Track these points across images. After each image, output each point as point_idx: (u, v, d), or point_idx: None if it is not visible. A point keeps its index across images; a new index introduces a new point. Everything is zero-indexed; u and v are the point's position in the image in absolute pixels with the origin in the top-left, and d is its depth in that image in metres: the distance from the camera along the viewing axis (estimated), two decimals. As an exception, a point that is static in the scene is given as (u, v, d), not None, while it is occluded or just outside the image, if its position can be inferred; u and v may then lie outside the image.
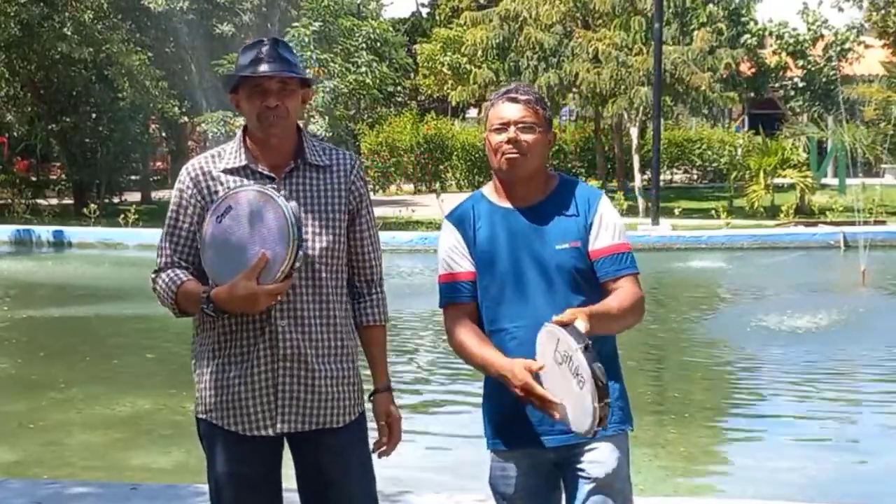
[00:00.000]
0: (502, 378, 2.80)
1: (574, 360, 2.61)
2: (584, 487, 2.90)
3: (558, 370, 2.68)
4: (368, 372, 3.15)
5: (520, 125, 2.94)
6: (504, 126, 2.94)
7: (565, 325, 2.66)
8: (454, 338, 2.98)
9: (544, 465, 2.97)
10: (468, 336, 2.95)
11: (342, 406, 3.00)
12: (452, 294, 3.01)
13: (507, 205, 3.00)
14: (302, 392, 2.94)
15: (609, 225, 2.97)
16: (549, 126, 3.03)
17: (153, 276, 2.99)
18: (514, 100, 2.97)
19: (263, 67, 2.90)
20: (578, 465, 2.91)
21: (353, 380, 3.05)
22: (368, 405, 3.13)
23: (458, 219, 3.04)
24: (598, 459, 2.90)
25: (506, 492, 2.99)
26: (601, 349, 2.88)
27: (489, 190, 3.07)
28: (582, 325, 2.66)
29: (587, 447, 2.90)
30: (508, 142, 2.93)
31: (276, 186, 2.94)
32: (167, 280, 2.94)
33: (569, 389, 2.66)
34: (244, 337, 2.93)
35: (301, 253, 2.80)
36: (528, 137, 2.93)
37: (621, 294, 2.91)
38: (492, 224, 2.99)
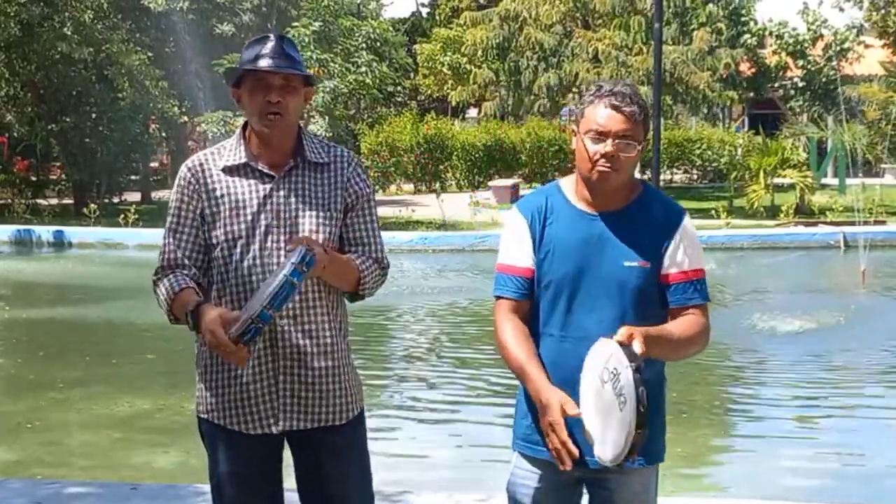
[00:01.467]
0: (536, 402, 2.70)
1: (621, 378, 2.48)
2: None
3: (601, 390, 2.55)
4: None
5: (619, 139, 2.73)
6: (602, 136, 2.74)
7: (622, 344, 2.53)
8: (499, 336, 2.83)
9: (568, 482, 2.87)
10: (515, 340, 2.79)
11: (341, 404, 3.01)
12: (507, 288, 2.85)
13: (584, 207, 2.83)
14: (302, 390, 2.95)
15: (686, 249, 2.81)
16: (647, 135, 2.83)
17: (154, 277, 2.99)
18: (618, 108, 2.74)
19: (267, 63, 2.91)
20: (605, 491, 2.86)
21: (350, 377, 3.05)
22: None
23: (530, 209, 2.87)
24: (627, 486, 2.84)
25: (523, 501, 2.91)
26: (647, 375, 2.83)
27: (567, 185, 2.90)
28: (638, 346, 2.53)
29: (616, 472, 2.80)
30: (605, 155, 2.74)
31: (274, 186, 2.96)
32: (167, 285, 2.93)
33: (606, 412, 2.54)
34: None
35: (256, 327, 2.69)
36: (625, 154, 2.74)
37: (685, 322, 2.78)
38: (563, 224, 2.83)
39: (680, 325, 2.78)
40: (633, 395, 2.45)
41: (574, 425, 2.65)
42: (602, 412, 2.56)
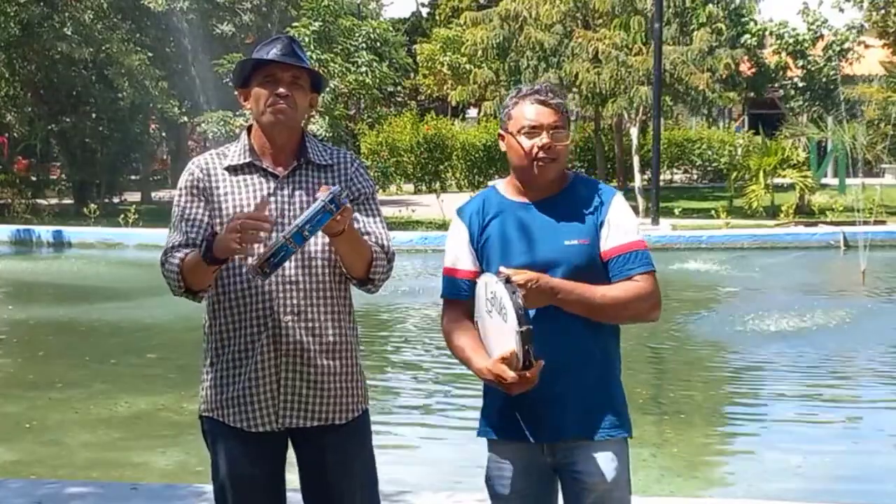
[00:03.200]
0: (483, 378, 2.82)
1: (497, 294, 2.65)
2: (582, 496, 2.88)
3: (490, 321, 2.73)
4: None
5: (551, 130, 2.88)
6: (536, 130, 2.88)
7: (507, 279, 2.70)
8: (446, 335, 2.98)
9: (540, 467, 2.92)
10: (458, 335, 2.92)
11: (345, 402, 3.01)
12: (451, 290, 3.00)
13: (520, 199, 2.96)
14: (304, 388, 2.96)
15: (621, 224, 2.91)
16: (569, 127, 2.99)
17: (162, 258, 2.96)
18: (545, 103, 2.89)
19: (278, 58, 2.96)
20: (576, 474, 2.88)
21: (355, 376, 3.06)
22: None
23: (468, 213, 3.00)
24: (597, 468, 2.87)
25: (501, 492, 2.95)
26: (600, 351, 2.91)
27: (503, 186, 3.03)
28: (519, 277, 2.69)
29: (585, 454, 2.86)
30: (542, 147, 2.87)
31: (278, 185, 2.98)
32: (175, 255, 2.92)
33: (498, 335, 2.69)
34: (247, 333, 2.94)
35: (288, 249, 2.68)
36: (560, 143, 2.89)
37: (619, 285, 2.86)
38: (502, 219, 2.94)
39: (610, 287, 2.86)
40: (509, 301, 2.61)
41: (538, 401, 2.78)
42: (496, 339, 2.71)
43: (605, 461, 2.87)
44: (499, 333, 2.69)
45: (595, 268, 2.89)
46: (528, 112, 2.89)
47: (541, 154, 2.87)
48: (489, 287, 2.71)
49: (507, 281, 2.64)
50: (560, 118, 2.90)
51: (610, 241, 2.89)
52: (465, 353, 2.89)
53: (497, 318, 2.68)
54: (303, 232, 2.66)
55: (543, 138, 2.86)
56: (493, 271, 2.88)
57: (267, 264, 2.68)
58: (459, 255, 2.99)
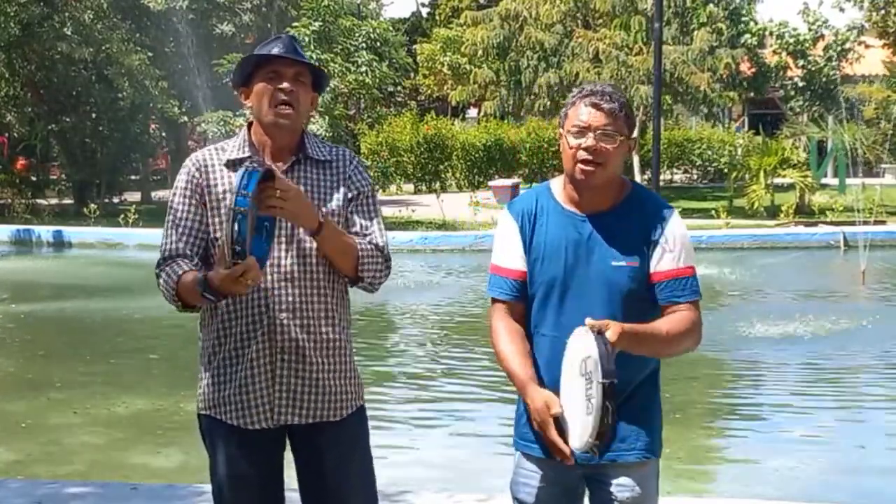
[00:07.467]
0: (525, 403, 2.78)
1: (594, 386, 2.52)
2: None
3: (580, 380, 2.59)
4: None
5: (599, 132, 2.79)
6: (584, 131, 2.81)
7: (599, 333, 2.56)
8: (492, 338, 2.90)
9: (570, 478, 2.90)
10: (506, 341, 2.85)
11: (340, 400, 3.02)
12: (500, 290, 2.92)
13: (572, 209, 2.88)
14: (299, 385, 2.96)
15: (675, 247, 2.84)
16: (632, 131, 2.88)
17: (157, 270, 2.98)
18: (598, 106, 2.81)
19: (282, 53, 2.97)
20: (607, 486, 2.86)
21: (350, 374, 3.06)
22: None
23: (520, 212, 2.93)
24: (628, 483, 2.85)
25: (526, 500, 2.92)
26: (640, 372, 2.86)
27: (557, 186, 2.95)
28: (611, 334, 2.56)
29: (619, 472, 2.84)
30: (587, 149, 2.79)
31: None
32: (169, 273, 2.92)
33: (580, 404, 2.59)
34: (243, 331, 2.94)
35: (236, 228, 2.62)
36: (607, 146, 2.79)
37: (674, 319, 2.79)
38: (553, 226, 2.87)
39: (669, 322, 2.80)
40: (598, 409, 2.51)
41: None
42: (576, 403, 2.61)
43: (639, 479, 2.86)
44: (579, 401, 2.58)
45: (640, 290, 2.83)
46: (581, 113, 2.83)
47: (584, 155, 2.79)
48: (589, 366, 2.55)
49: (611, 385, 2.51)
50: (612, 122, 2.80)
51: (662, 264, 2.83)
52: (509, 363, 2.82)
53: (583, 393, 2.57)
54: (239, 193, 2.61)
55: (589, 140, 2.79)
56: (537, 282, 2.82)
57: (233, 249, 2.63)
58: (509, 253, 2.91)
